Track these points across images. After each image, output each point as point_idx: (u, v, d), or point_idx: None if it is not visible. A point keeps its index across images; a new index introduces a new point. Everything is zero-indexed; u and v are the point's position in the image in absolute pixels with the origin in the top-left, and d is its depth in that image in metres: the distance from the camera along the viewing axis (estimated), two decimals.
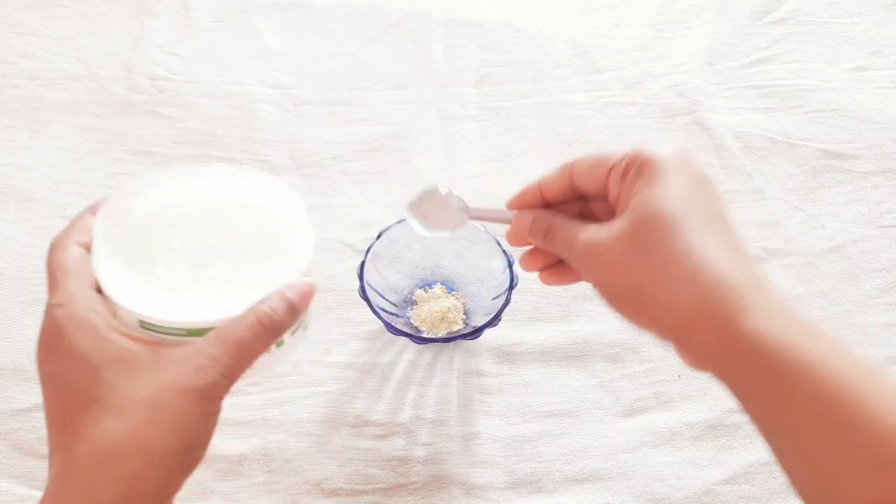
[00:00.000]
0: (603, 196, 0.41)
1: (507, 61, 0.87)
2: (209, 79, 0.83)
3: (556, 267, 0.44)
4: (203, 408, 0.35)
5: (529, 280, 0.69)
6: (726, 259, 0.36)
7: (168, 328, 0.37)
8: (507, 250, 0.62)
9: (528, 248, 0.45)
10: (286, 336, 0.40)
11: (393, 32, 0.89)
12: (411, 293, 0.67)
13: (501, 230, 0.65)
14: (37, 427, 0.60)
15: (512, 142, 0.80)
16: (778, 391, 0.33)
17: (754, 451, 0.61)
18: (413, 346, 0.65)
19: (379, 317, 0.60)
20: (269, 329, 0.37)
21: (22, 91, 0.81)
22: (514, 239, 0.45)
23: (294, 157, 0.77)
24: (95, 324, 0.36)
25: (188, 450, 0.35)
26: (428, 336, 0.63)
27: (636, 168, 0.39)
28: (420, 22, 0.90)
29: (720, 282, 0.35)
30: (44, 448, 0.59)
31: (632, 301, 0.38)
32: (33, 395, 0.61)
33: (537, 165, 0.78)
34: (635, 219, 0.37)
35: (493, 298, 0.63)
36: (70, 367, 0.36)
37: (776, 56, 0.88)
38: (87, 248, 0.39)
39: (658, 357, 0.65)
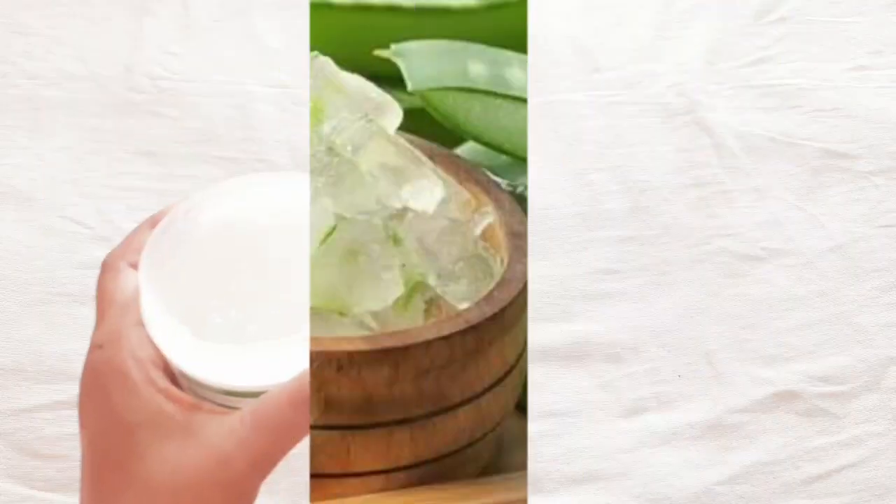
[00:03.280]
0: None
1: None
2: (209, 79, 0.83)
3: None
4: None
5: (529, 280, 0.69)
6: None
7: (204, 384, 0.32)
8: None
9: None
10: None
11: None
12: None
13: None
14: (37, 427, 0.60)
15: None
16: None
17: (754, 451, 0.61)
18: None
19: None
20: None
21: (22, 91, 0.81)
22: None
23: (294, 157, 0.77)
24: (132, 376, 0.31)
25: None
26: None
27: None
28: None
29: None
30: (44, 448, 0.59)
31: None
32: (33, 395, 0.61)
33: (537, 165, 0.78)
34: None
35: None
36: (101, 421, 0.31)
37: (777, 55, 0.88)
38: None
39: (658, 357, 0.65)
